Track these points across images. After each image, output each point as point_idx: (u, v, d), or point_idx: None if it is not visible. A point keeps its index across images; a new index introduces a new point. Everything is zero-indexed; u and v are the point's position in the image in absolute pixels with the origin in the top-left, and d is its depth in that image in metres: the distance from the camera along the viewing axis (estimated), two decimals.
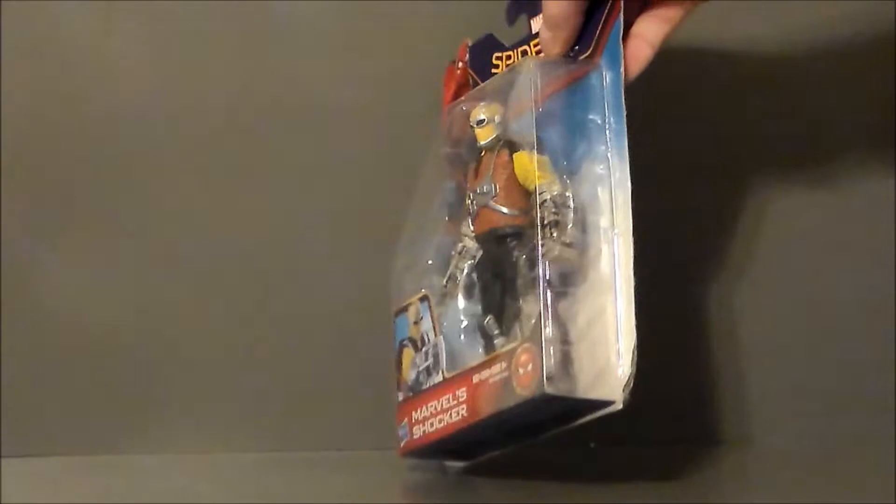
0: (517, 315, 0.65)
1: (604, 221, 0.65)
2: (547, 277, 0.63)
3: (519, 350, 0.63)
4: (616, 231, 0.64)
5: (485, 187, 0.66)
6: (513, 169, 0.66)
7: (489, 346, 0.66)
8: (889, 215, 0.78)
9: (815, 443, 0.79)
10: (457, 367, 0.66)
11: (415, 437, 0.67)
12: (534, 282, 0.64)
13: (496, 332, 0.66)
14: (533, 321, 0.63)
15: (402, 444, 0.68)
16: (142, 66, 0.78)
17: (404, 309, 0.69)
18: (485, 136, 0.67)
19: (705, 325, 0.79)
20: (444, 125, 0.70)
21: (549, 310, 0.63)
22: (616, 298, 0.64)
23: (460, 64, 0.70)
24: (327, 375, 0.78)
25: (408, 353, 0.68)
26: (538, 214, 0.64)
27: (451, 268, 0.68)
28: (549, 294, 0.63)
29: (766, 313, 0.79)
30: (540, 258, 0.64)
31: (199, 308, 0.79)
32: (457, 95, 0.70)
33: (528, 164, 0.65)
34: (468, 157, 0.68)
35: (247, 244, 0.79)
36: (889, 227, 0.78)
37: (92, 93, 0.78)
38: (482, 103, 0.67)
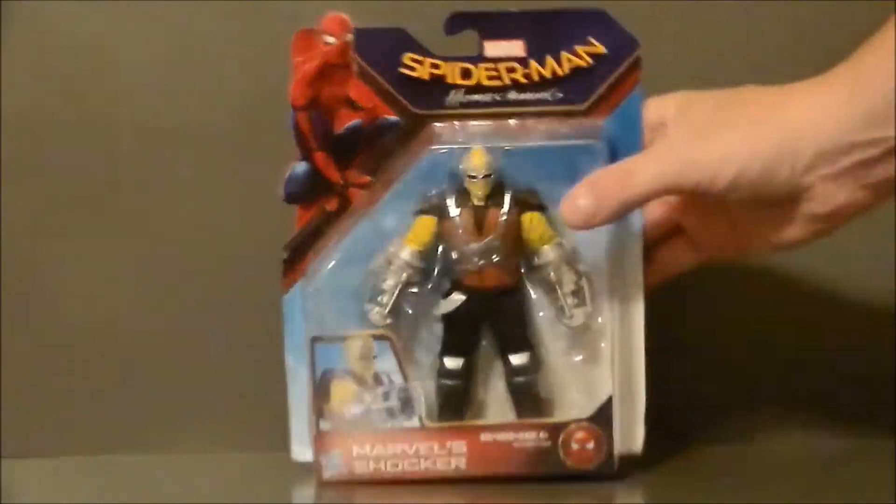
0: (507, 364, 0.67)
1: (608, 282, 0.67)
2: (611, 350, 0.66)
3: (574, 426, 0.66)
4: (626, 291, 0.67)
5: (492, 245, 0.66)
6: (519, 225, 0.66)
7: (523, 408, 0.67)
8: (889, 215, 0.78)
9: (817, 443, 0.79)
10: (440, 420, 0.67)
11: (356, 471, 0.67)
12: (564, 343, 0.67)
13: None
14: (603, 398, 0.66)
15: (328, 473, 0.67)
16: (143, 66, 0.78)
17: (336, 339, 0.67)
18: (484, 188, 0.65)
19: (706, 325, 0.79)
20: (297, 97, 0.66)
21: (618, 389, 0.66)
22: (634, 360, 0.67)
23: (330, 39, 0.67)
24: None
25: (343, 385, 0.67)
26: (557, 278, 0.66)
27: (388, 285, 0.66)
28: (614, 370, 0.66)
29: (768, 312, 0.79)
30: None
31: (199, 308, 0.79)
32: (323, 73, 0.66)
33: (540, 225, 0.66)
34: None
35: (248, 244, 0.79)
36: (889, 226, 0.78)
37: (92, 92, 0.78)
38: (476, 150, 0.65)
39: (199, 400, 0.79)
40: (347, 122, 0.67)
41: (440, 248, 0.67)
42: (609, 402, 0.66)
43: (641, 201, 0.64)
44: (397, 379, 0.67)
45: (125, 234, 0.79)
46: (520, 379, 0.67)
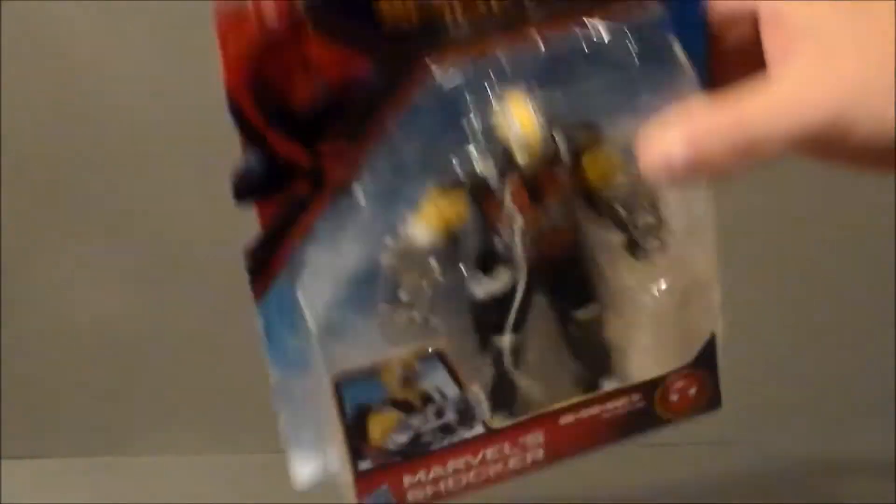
0: (572, 322, 0.56)
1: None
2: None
3: (673, 377, 0.57)
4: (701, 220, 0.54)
5: (554, 208, 0.52)
6: (581, 172, 0.52)
7: (591, 383, 0.57)
8: (889, 215, 0.78)
9: (820, 443, 0.79)
10: (493, 413, 0.56)
11: (409, 501, 0.57)
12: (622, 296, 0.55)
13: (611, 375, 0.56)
14: (699, 343, 0.56)
15: None
16: (143, 67, 0.78)
17: (368, 373, 0.54)
18: (534, 149, 0.50)
19: None
20: (232, 77, 0.53)
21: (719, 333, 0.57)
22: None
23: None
24: None
25: (381, 418, 0.56)
26: (627, 213, 0.53)
27: (409, 278, 0.52)
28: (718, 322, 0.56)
29: (771, 312, 0.80)
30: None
31: (199, 308, 0.79)
32: (264, 41, 0.52)
33: (604, 161, 0.52)
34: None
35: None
36: (890, 226, 0.79)
37: (92, 92, 0.78)
38: (519, 104, 0.49)
39: (199, 400, 0.79)
40: (308, 88, 0.51)
41: (473, 224, 0.52)
42: (712, 340, 0.57)
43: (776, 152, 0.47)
44: (451, 391, 0.56)
45: (125, 234, 0.79)
46: (587, 333, 0.56)
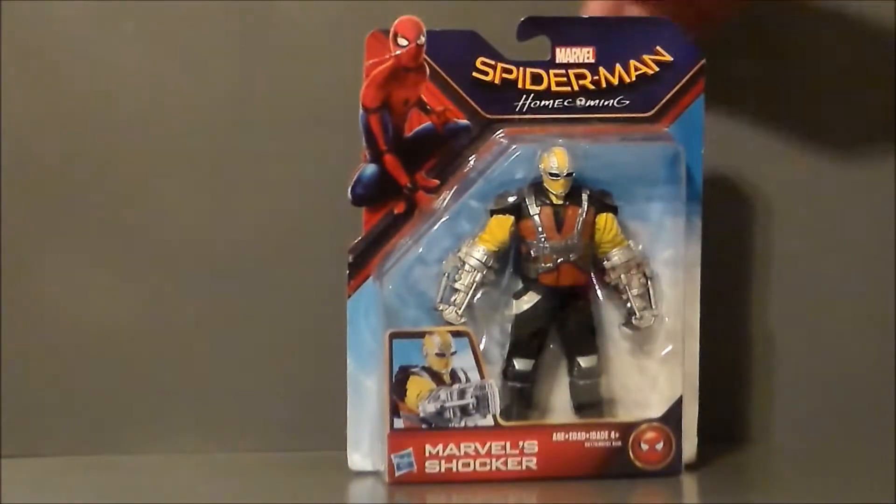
0: (576, 366, 0.68)
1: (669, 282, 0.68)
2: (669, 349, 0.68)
3: (645, 426, 0.67)
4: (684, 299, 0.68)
5: (571, 243, 0.66)
6: (594, 225, 0.67)
7: (584, 410, 0.68)
8: (890, 216, 0.78)
9: (822, 443, 0.79)
10: (513, 418, 0.67)
11: (427, 470, 0.67)
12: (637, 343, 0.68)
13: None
14: (669, 402, 0.67)
15: (399, 472, 0.67)
16: (143, 67, 0.78)
17: (415, 335, 0.67)
18: (565, 187, 0.66)
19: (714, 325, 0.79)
20: (369, 99, 0.67)
21: (695, 391, 0.68)
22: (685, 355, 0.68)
23: (403, 41, 0.67)
24: (328, 375, 0.78)
25: (418, 381, 0.67)
26: (626, 282, 0.67)
27: (462, 285, 0.67)
28: (683, 374, 0.67)
29: (774, 313, 0.79)
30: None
31: (199, 307, 0.79)
32: (395, 75, 0.67)
33: (613, 227, 0.67)
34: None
35: (248, 244, 0.79)
36: (890, 226, 0.78)
37: (92, 92, 0.78)
38: (558, 149, 0.66)
39: (199, 400, 0.79)
40: (418, 124, 0.68)
41: (513, 248, 0.68)
42: (679, 402, 0.68)
43: None
44: (474, 376, 0.67)
45: (125, 233, 0.79)
46: (586, 381, 0.68)
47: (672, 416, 0.67)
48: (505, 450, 0.67)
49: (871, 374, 0.79)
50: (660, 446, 0.67)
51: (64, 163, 0.78)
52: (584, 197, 0.66)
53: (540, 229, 0.66)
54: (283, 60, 0.79)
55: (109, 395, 0.79)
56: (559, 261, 0.66)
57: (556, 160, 0.66)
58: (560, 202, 0.66)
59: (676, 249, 0.68)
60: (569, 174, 0.66)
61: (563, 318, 0.68)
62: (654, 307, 0.67)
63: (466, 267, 0.67)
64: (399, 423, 0.67)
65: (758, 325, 0.79)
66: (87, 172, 0.78)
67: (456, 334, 0.67)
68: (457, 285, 0.67)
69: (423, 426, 0.67)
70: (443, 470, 0.67)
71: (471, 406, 0.67)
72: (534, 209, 0.66)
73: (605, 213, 0.67)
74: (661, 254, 0.68)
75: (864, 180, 0.79)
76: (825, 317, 0.80)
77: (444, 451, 0.67)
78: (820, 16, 0.78)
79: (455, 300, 0.67)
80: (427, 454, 0.67)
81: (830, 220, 0.79)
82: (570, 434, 0.67)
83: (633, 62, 0.67)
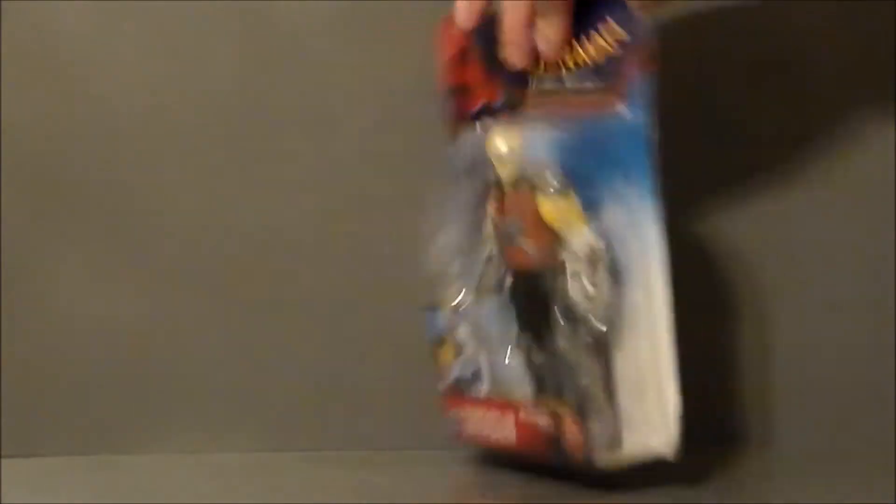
0: (554, 352, 0.64)
1: (636, 267, 0.62)
2: (589, 340, 0.62)
3: (566, 416, 0.63)
4: (652, 277, 0.62)
5: (512, 226, 0.65)
6: (538, 209, 0.64)
7: (540, 387, 0.64)
8: (889, 216, 0.78)
9: (822, 444, 0.79)
10: (500, 392, 0.66)
11: (463, 432, 0.69)
12: (572, 333, 0.63)
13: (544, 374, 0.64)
14: (583, 384, 0.62)
15: (457, 434, 0.70)
16: (143, 67, 0.78)
17: (437, 305, 0.69)
18: (505, 172, 0.65)
19: (713, 325, 0.79)
20: (446, 80, 0.69)
21: (603, 381, 0.62)
22: (657, 345, 0.62)
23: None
24: (328, 375, 0.78)
25: (445, 349, 0.69)
26: (568, 267, 0.63)
27: (481, 276, 0.67)
28: (595, 362, 0.62)
29: (773, 312, 0.79)
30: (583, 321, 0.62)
31: (199, 308, 0.79)
32: (455, 59, 0.69)
33: (555, 210, 0.63)
34: (485, 176, 0.66)
35: (248, 244, 0.79)
36: (890, 226, 0.78)
37: (93, 93, 0.78)
38: (500, 130, 0.66)
39: (198, 400, 0.79)
40: (477, 102, 0.69)
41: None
42: (585, 392, 0.63)
43: None
44: (470, 350, 0.68)
45: (125, 234, 0.79)
46: (539, 360, 0.65)
47: (581, 406, 0.63)
48: (495, 419, 0.67)
49: (871, 374, 0.79)
50: (578, 437, 0.63)
51: (64, 163, 0.78)
52: (525, 180, 0.64)
53: (493, 212, 0.67)
54: (283, 61, 0.79)
55: (109, 395, 0.79)
56: (504, 240, 0.66)
57: (493, 144, 0.66)
58: (502, 185, 0.66)
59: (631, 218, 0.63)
60: (499, 156, 0.65)
61: (526, 299, 0.66)
62: (605, 295, 0.63)
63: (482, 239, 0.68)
64: (442, 386, 0.70)
65: (757, 325, 0.79)
66: (87, 173, 0.79)
67: (454, 308, 0.69)
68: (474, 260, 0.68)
69: (452, 391, 0.70)
70: (468, 435, 0.70)
71: (475, 375, 0.68)
72: (492, 193, 0.67)
73: (542, 196, 0.64)
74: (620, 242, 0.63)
75: (864, 180, 0.79)
76: (825, 317, 0.79)
77: (465, 414, 0.69)
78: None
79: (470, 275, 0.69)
80: (461, 417, 0.70)
81: (830, 220, 0.79)
82: (529, 414, 0.65)
83: (597, 38, 0.64)
